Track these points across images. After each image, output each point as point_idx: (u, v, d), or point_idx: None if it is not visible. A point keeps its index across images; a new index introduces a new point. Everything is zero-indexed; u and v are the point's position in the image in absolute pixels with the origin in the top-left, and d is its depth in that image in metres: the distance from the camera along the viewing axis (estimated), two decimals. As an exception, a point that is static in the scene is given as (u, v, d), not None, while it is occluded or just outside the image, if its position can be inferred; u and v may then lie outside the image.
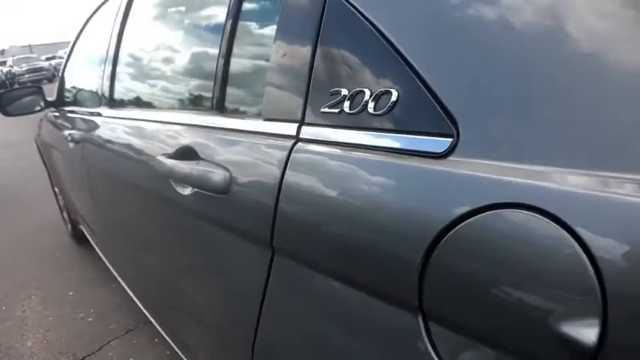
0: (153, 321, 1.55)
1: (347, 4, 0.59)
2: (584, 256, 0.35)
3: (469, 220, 0.42)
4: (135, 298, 1.71)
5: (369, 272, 0.54)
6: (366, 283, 0.55)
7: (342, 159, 0.59)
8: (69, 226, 3.06)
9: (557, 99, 0.41)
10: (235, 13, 0.89)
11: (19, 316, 2.28)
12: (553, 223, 0.37)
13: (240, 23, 0.89)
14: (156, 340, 1.89)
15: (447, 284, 0.45)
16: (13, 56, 30.03)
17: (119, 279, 1.88)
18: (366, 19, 0.56)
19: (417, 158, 0.49)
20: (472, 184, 0.44)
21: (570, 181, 0.38)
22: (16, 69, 23.39)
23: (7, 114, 2.45)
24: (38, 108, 2.49)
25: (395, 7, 0.56)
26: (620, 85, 0.38)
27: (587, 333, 0.34)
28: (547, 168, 0.39)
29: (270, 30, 0.77)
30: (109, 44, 1.61)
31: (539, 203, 0.38)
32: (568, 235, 0.36)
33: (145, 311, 1.62)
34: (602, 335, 0.33)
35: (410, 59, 0.51)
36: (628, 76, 0.38)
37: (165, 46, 1.36)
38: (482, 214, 0.41)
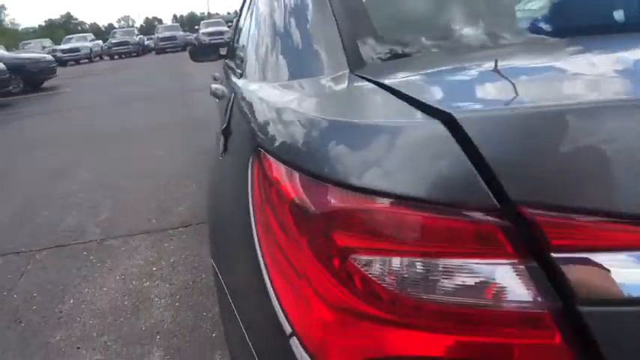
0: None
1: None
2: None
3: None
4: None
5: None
6: None
7: (250, 85, 1.37)
8: (226, 147, 4.25)
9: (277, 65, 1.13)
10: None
11: (181, 191, 3.52)
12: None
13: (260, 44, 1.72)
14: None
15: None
16: (237, 16, 34.34)
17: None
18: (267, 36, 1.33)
19: (261, 83, 1.25)
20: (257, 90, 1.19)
21: (263, 90, 1.10)
22: (236, 28, 27.21)
23: (195, 60, 3.65)
24: (213, 58, 3.65)
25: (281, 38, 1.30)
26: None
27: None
28: (264, 82, 1.12)
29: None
30: (242, 17, 2.55)
31: (239, 92, 1.13)
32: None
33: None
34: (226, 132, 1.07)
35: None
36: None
37: (245, 34, 2.28)
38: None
